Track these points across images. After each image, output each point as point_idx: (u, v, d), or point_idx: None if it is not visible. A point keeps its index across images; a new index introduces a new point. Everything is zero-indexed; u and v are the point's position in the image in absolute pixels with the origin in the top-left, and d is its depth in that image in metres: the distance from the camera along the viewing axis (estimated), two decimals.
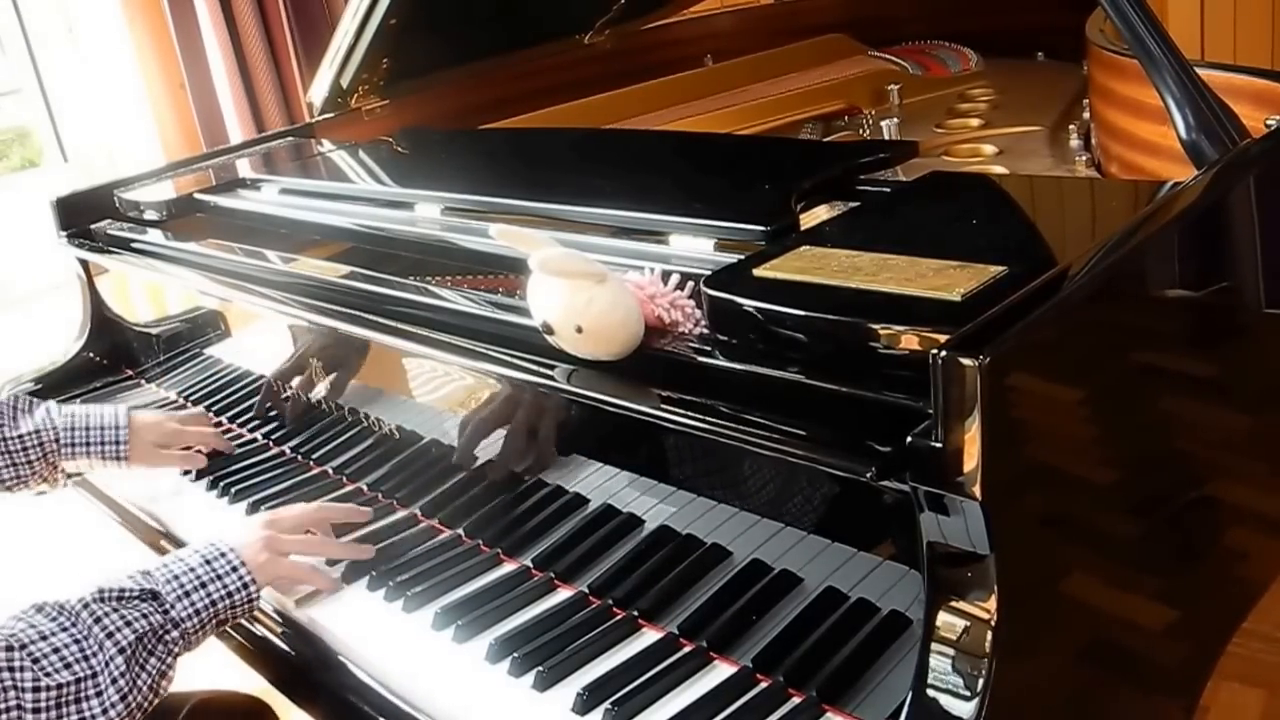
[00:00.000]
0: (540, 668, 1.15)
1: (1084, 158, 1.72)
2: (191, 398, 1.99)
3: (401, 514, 1.51)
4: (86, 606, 1.18)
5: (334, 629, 1.32)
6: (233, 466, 1.72)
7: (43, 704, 1.11)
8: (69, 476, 1.74)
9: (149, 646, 1.19)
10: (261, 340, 1.82)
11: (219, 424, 1.88)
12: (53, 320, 2.39)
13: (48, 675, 1.11)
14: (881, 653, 1.04)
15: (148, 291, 2.14)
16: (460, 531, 1.42)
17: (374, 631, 1.29)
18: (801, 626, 1.09)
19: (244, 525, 1.37)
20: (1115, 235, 1.02)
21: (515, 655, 1.17)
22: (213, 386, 1.95)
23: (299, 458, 1.71)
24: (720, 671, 1.11)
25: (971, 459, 0.83)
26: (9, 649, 1.11)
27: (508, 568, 1.34)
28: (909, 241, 1.09)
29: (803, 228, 1.25)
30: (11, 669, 1.10)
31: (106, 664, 1.15)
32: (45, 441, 1.66)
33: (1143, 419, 1.05)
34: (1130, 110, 1.52)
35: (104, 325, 2.20)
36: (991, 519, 0.84)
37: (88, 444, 1.66)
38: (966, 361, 0.82)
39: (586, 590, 1.26)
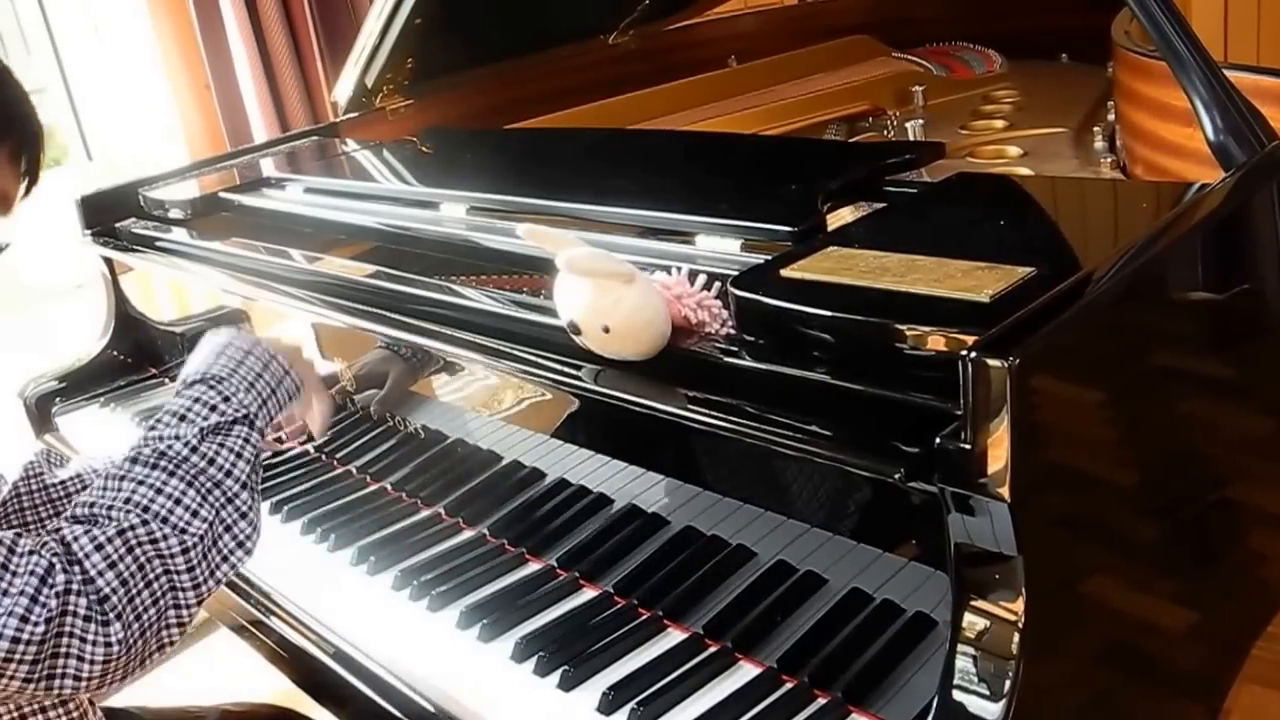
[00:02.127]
0: (566, 667, 1.15)
1: (1109, 160, 1.71)
2: None
3: (425, 513, 1.51)
4: (195, 450, 1.13)
5: (358, 628, 1.32)
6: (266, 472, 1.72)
7: (194, 561, 1.08)
8: None
9: (255, 468, 1.17)
10: (285, 338, 1.82)
11: None
12: (77, 318, 2.40)
13: (186, 534, 1.08)
14: (907, 654, 1.04)
15: (171, 290, 2.14)
16: (484, 530, 1.43)
17: (399, 630, 1.30)
18: (827, 627, 1.10)
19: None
20: (1143, 237, 1.02)
21: (541, 654, 1.18)
22: None
23: (323, 457, 1.72)
24: (745, 672, 1.11)
25: (1000, 460, 0.83)
26: (145, 523, 1.07)
27: (533, 567, 1.34)
28: (936, 242, 1.09)
29: (829, 228, 1.25)
30: (155, 540, 1.06)
31: (230, 500, 1.12)
32: (87, 485, 1.48)
33: (1167, 421, 1.05)
34: (1155, 112, 1.51)
35: (127, 324, 2.21)
36: (1019, 520, 0.83)
37: None
38: (996, 363, 0.82)
39: (611, 590, 1.26)
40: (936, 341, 0.93)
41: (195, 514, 1.10)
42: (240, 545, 1.12)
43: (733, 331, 1.12)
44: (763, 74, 2.51)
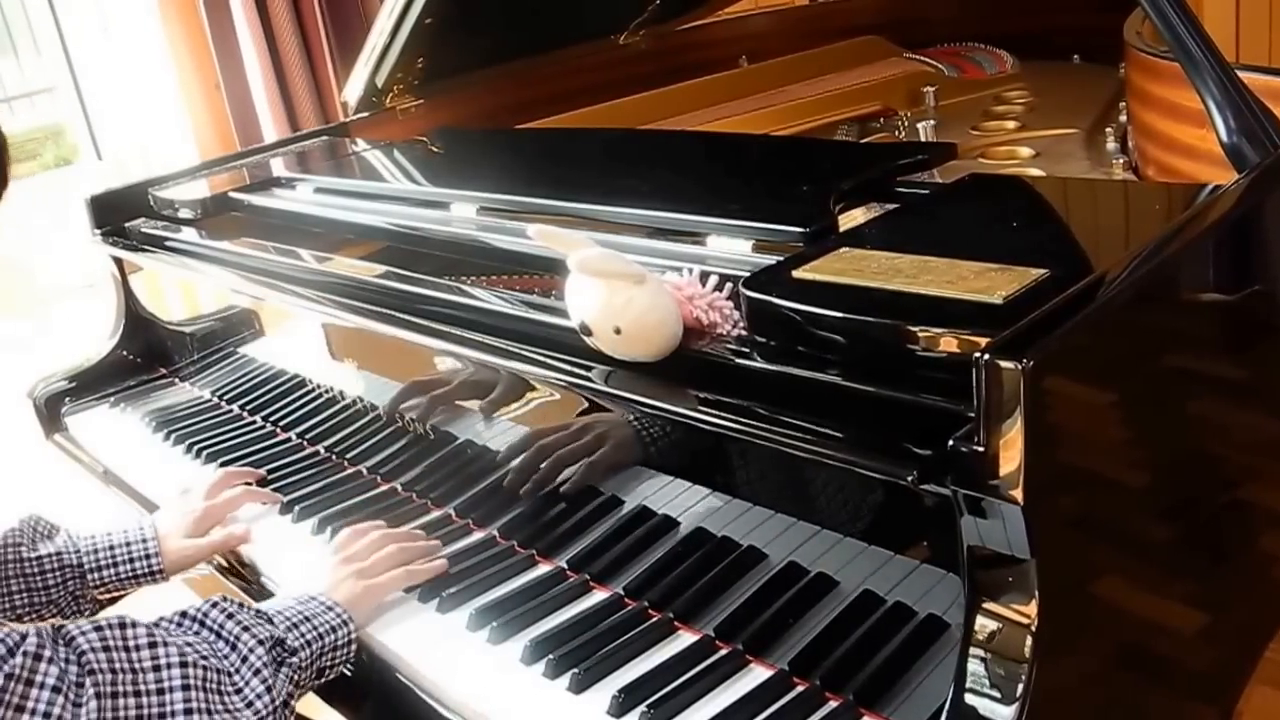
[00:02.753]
0: (576, 669, 1.14)
1: (1120, 160, 1.71)
2: (225, 396, 2.00)
3: (436, 514, 1.51)
4: (216, 605, 1.14)
5: (368, 629, 1.32)
6: (267, 467, 1.73)
7: (191, 680, 1.05)
8: (98, 605, 1.53)
9: (278, 656, 1.14)
10: (295, 339, 1.82)
11: (252, 423, 1.89)
12: (87, 318, 2.40)
13: (193, 652, 1.07)
14: (919, 656, 1.03)
15: (181, 289, 2.15)
16: (495, 532, 1.43)
17: (409, 632, 1.29)
18: (838, 629, 1.09)
19: (323, 569, 1.34)
20: (1157, 238, 1.02)
21: (551, 656, 1.17)
22: (246, 385, 1.96)
23: (333, 457, 1.72)
24: (757, 674, 1.10)
25: (1013, 462, 0.82)
26: (149, 626, 1.05)
27: (543, 569, 1.34)
28: (949, 244, 1.09)
29: (842, 229, 1.25)
30: (154, 644, 1.05)
31: (247, 656, 1.11)
32: (66, 565, 1.46)
33: (1179, 424, 1.04)
34: (1168, 113, 1.51)
35: (137, 323, 2.21)
36: (1032, 522, 0.83)
37: (115, 564, 1.48)
38: (1009, 365, 0.82)
39: (622, 592, 1.26)
40: (948, 343, 0.93)
41: (207, 656, 1.09)
42: (249, 706, 1.09)
43: (744, 333, 1.12)
44: (774, 74, 2.50)
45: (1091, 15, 2.03)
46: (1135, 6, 1.33)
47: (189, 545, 1.53)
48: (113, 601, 1.54)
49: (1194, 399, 1.06)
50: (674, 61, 2.60)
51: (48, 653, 0.98)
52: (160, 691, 1.03)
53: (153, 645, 1.05)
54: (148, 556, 1.49)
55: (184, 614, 1.14)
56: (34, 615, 1.45)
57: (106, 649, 1.01)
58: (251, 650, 1.12)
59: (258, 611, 1.19)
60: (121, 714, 1.00)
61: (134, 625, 1.05)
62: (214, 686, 1.07)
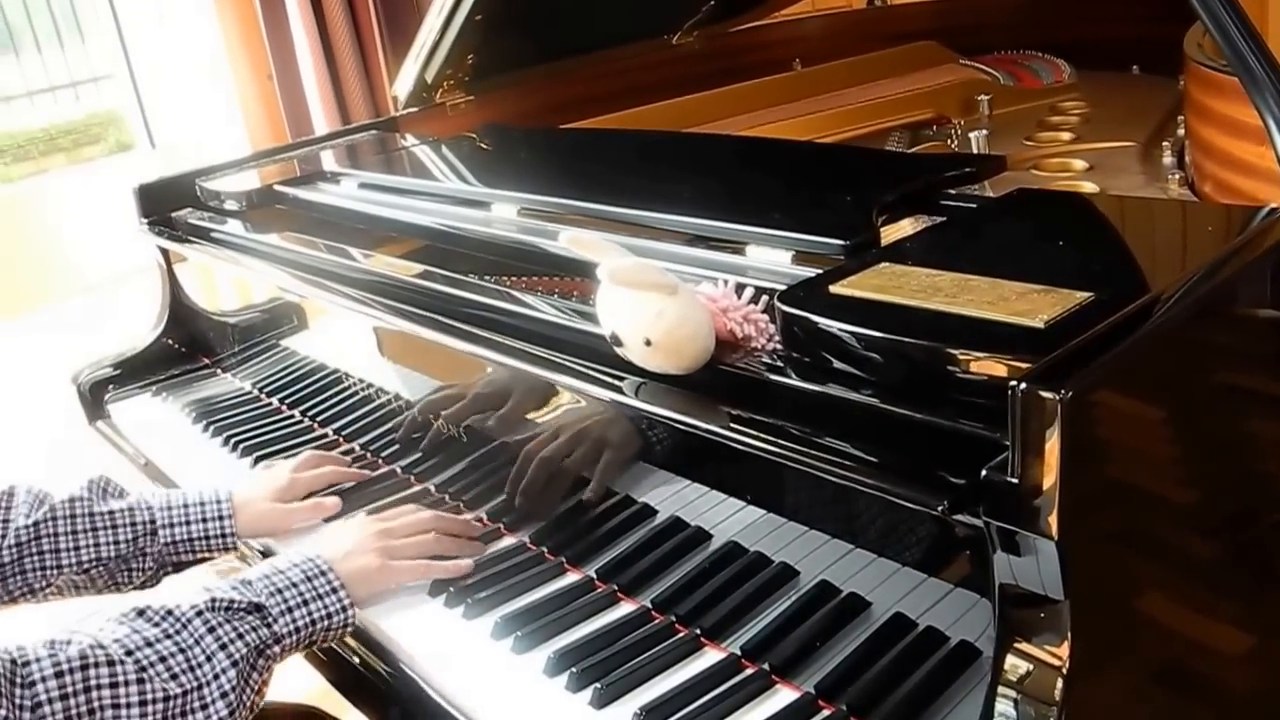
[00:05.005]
0: (599, 684, 1.13)
1: (1177, 176, 1.66)
2: (265, 389, 2.00)
3: (468, 517, 1.49)
4: (200, 614, 1.13)
5: (392, 633, 1.30)
6: None
7: (150, 718, 1.06)
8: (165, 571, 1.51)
9: (253, 660, 1.15)
10: (336, 334, 1.82)
11: (290, 417, 1.89)
12: (141, 304, 2.41)
13: (154, 688, 1.06)
14: (949, 684, 1.01)
15: (233, 279, 2.14)
16: (525, 538, 1.41)
17: (433, 638, 1.28)
18: (867, 653, 1.07)
19: (357, 528, 1.34)
20: (1208, 263, 0.99)
21: (574, 669, 1.15)
22: (287, 378, 1.96)
23: (368, 455, 1.71)
24: (782, 696, 1.08)
25: (1048, 496, 0.80)
26: (111, 663, 1.05)
27: (572, 578, 1.32)
28: (992, 262, 1.06)
29: (884, 242, 1.22)
30: (115, 684, 1.05)
31: (217, 676, 1.11)
32: (138, 521, 1.45)
33: (1227, 459, 1.00)
34: (1227, 129, 1.47)
35: (182, 313, 2.21)
36: (1067, 560, 0.80)
37: (187, 522, 1.46)
38: (1047, 395, 0.79)
39: (650, 605, 1.23)
40: (985, 368, 0.89)
41: (174, 677, 1.09)
42: None
43: (779, 347, 1.10)
44: (827, 78, 2.47)
45: (1152, 25, 1.98)
46: (1197, 19, 1.29)
47: (270, 508, 1.51)
48: (179, 570, 1.51)
49: (1243, 433, 1.02)
50: (727, 63, 2.57)
51: (2, 709, 0.98)
52: None
53: (114, 686, 1.05)
54: (221, 518, 1.47)
55: (170, 611, 1.13)
56: (104, 574, 1.44)
57: (64, 696, 1.02)
58: (224, 671, 1.12)
59: (249, 589, 1.18)
60: None
61: (96, 665, 1.04)
62: (175, 712, 1.08)
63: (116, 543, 1.43)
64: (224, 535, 1.48)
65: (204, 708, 1.09)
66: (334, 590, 1.24)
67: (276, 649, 1.19)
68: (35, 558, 1.40)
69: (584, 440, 1.33)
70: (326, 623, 1.23)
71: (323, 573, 1.25)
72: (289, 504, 1.53)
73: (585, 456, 1.34)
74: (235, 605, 1.16)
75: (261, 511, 1.51)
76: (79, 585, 1.44)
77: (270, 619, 1.18)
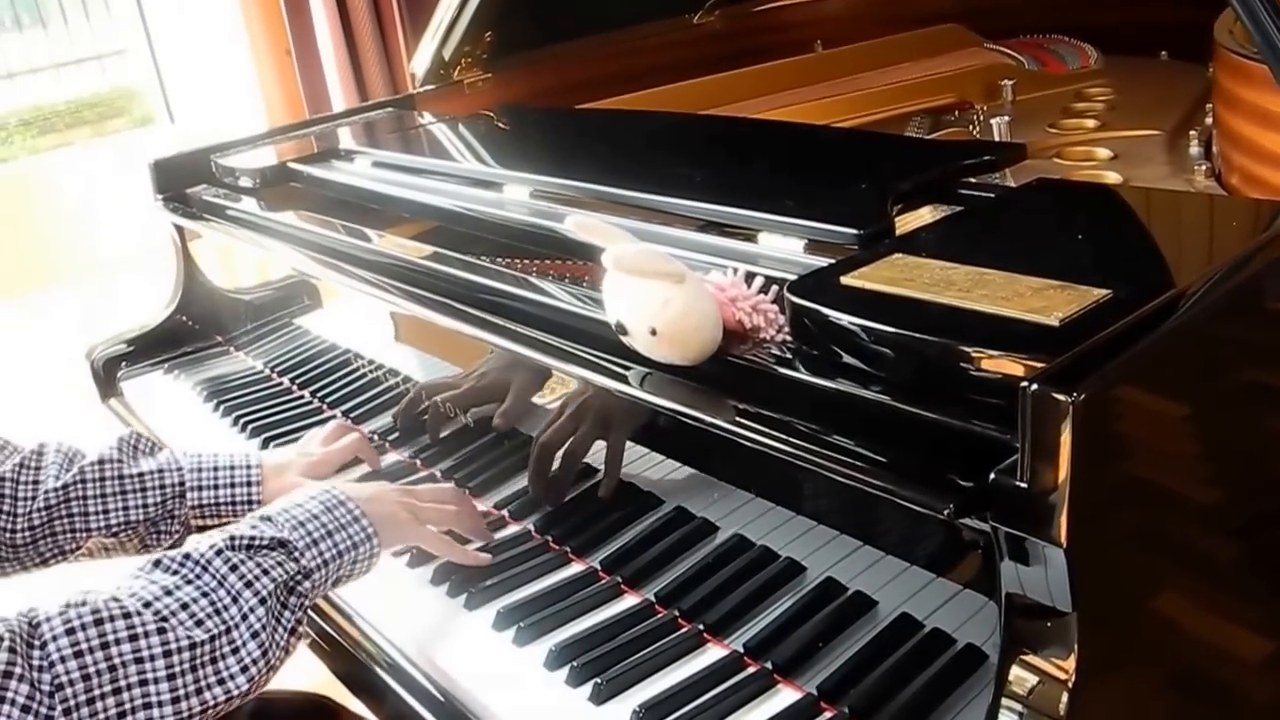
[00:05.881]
0: (598, 679, 1.11)
1: (1203, 166, 1.62)
2: (277, 368, 1.98)
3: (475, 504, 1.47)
4: (220, 554, 1.08)
5: (394, 624, 1.29)
6: None
7: (177, 669, 1.00)
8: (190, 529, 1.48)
9: (283, 597, 1.10)
10: (348, 314, 1.80)
11: (300, 398, 1.88)
12: (153, 280, 2.39)
13: (178, 637, 1.01)
14: (954, 689, 0.99)
15: (253, 255, 2.13)
16: (530, 526, 1.39)
17: (434, 628, 1.27)
18: (871, 654, 1.04)
19: (378, 485, 1.31)
20: (1231, 259, 0.95)
21: (574, 663, 1.13)
22: (299, 358, 1.94)
23: (375, 438, 1.69)
24: (784, 697, 1.06)
25: (1058, 502, 0.77)
26: (127, 615, 1.00)
27: (575, 568, 1.30)
28: (1008, 255, 1.03)
29: (899, 232, 1.19)
30: (135, 637, 0.99)
31: (245, 616, 1.05)
32: (167, 483, 1.43)
33: (1246, 466, 0.97)
34: (1256, 119, 1.43)
35: (196, 290, 2.19)
36: (1076, 568, 0.78)
37: (215, 486, 1.44)
38: (1059, 397, 0.76)
39: (653, 598, 1.21)
40: (998, 366, 0.86)
41: (199, 623, 1.03)
42: (244, 671, 1.04)
43: (788, 338, 1.07)
44: (849, 61, 2.43)
45: (1182, 10, 1.94)
46: (1227, 4, 1.25)
47: (298, 481, 1.46)
48: (202, 531, 1.46)
49: (1264, 438, 0.99)
50: (747, 44, 2.54)
51: (18, 669, 0.94)
52: (144, 683, 0.99)
53: (133, 639, 0.99)
54: (249, 484, 1.45)
55: (188, 555, 1.08)
56: (133, 537, 1.42)
57: (79, 654, 0.96)
58: (252, 610, 1.06)
59: (270, 525, 1.14)
60: (101, 716, 0.96)
61: (112, 619, 0.99)
62: (205, 659, 1.02)
63: (145, 505, 1.42)
64: (250, 501, 1.45)
65: (234, 651, 1.04)
66: (356, 519, 1.19)
67: (307, 584, 1.13)
68: (65, 520, 1.38)
69: (591, 427, 1.31)
70: (354, 553, 1.18)
71: (341, 503, 1.20)
72: (325, 453, 1.53)
73: (591, 443, 1.32)
74: (257, 542, 1.11)
75: (290, 484, 1.47)
76: (109, 547, 1.43)
77: (296, 553, 1.13)
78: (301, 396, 1.88)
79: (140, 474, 1.42)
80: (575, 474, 1.35)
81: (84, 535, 1.40)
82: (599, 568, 1.28)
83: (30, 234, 2.98)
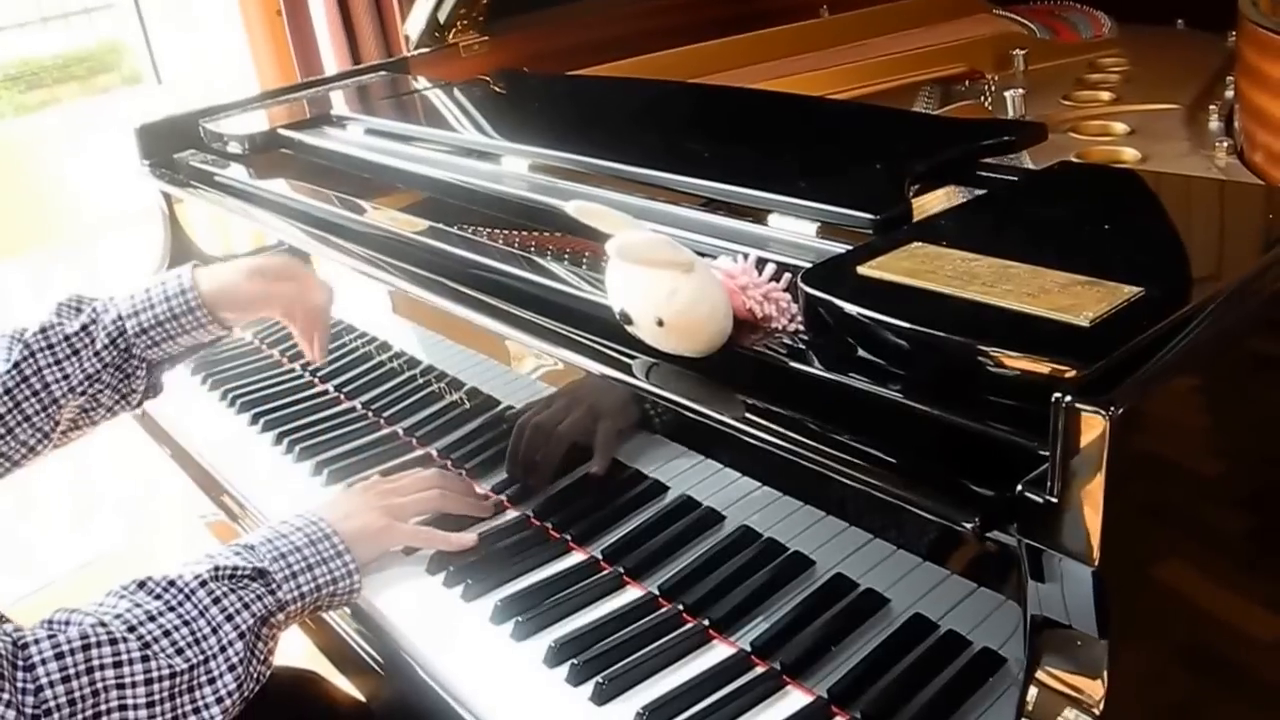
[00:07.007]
0: (599, 678, 1.07)
1: (1225, 143, 1.57)
2: (267, 340, 1.94)
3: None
4: (204, 584, 1.10)
5: (387, 611, 1.25)
6: (301, 421, 1.67)
7: (155, 696, 1.03)
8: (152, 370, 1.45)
9: (259, 630, 1.12)
10: (339, 285, 1.75)
11: (290, 371, 1.83)
12: (140, 245, 2.34)
13: (159, 665, 1.03)
14: (970, 694, 0.95)
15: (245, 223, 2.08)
16: (529, 511, 1.35)
17: (431, 619, 1.23)
18: (883, 656, 1.01)
19: (359, 491, 1.32)
20: (1274, 256, 0.91)
21: (575, 661, 1.10)
22: (286, 329, 1.89)
23: (369, 414, 1.65)
24: (794, 700, 1.02)
25: (1090, 520, 0.73)
26: (114, 641, 1.02)
27: (576, 557, 1.26)
28: (1033, 246, 0.99)
29: (916, 215, 1.14)
30: (119, 663, 1.02)
31: (224, 648, 1.08)
32: (108, 321, 1.38)
33: None
34: None
35: (183, 257, 2.13)
36: (1105, 590, 0.73)
37: (151, 305, 1.39)
38: (1094, 412, 0.72)
39: (657, 591, 1.17)
40: (1025, 369, 0.82)
41: (179, 652, 1.06)
42: (219, 702, 1.06)
43: (801, 329, 1.03)
44: (856, 27, 2.37)
45: None
46: None
47: (240, 278, 1.44)
48: (170, 362, 1.47)
49: None
50: (755, 7, 2.47)
51: (5, 694, 0.95)
52: (124, 708, 1.01)
53: (118, 665, 1.01)
54: (183, 290, 1.39)
55: (172, 582, 1.10)
56: (106, 389, 1.39)
57: (66, 679, 0.98)
58: (231, 644, 1.08)
59: (252, 555, 1.16)
60: None
61: (99, 644, 1.01)
62: (182, 688, 1.05)
63: (97, 353, 1.38)
64: (190, 309, 1.40)
65: (211, 682, 1.07)
66: (339, 554, 1.21)
67: (280, 616, 1.15)
68: (31, 399, 1.35)
69: (593, 410, 1.28)
70: (332, 588, 1.20)
71: (327, 536, 1.21)
72: (266, 285, 1.47)
73: (593, 427, 1.28)
74: (239, 572, 1.13)
75: (232, 281, 1.44)
76: (88, 410, 1.40)
77: (274, 585, 1.15)
78: (292, 370, 1.84)
79: (81, 325, 1.39)
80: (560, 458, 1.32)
81: (54, 407, 1.36)
82: (600, 557, 1.24)
83: (12, 195, 2.92)
